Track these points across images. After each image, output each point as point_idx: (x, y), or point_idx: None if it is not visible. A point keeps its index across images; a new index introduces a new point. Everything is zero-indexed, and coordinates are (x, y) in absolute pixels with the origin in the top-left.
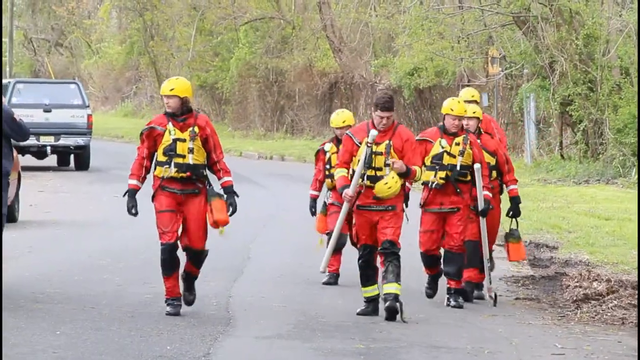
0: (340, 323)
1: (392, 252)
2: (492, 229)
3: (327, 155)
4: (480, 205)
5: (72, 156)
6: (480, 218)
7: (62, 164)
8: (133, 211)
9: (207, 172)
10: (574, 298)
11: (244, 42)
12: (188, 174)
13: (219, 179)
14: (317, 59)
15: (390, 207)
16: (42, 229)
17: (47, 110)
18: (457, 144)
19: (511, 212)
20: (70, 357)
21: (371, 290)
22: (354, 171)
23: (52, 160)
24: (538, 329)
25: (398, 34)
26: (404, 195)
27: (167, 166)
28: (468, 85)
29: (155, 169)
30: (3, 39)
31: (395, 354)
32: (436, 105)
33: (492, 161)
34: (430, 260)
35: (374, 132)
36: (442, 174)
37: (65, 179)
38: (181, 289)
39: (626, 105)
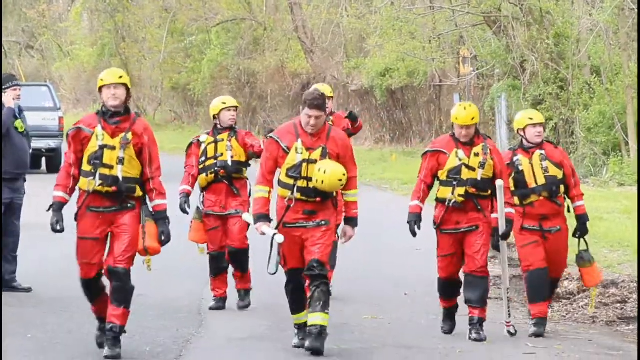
0: None
1: (319, 274)
2: (560, 253)
3: (203, 146)
4: (502, 227)
5: (43, 159)
6: (501, 241)
7: (34, 166)
8: (58, 227)
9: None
10: None
11: (215, 44)
12: (114, 188)
13: (151, 200)
14: (289, 60)
15: (322, 222)
16: None
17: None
18: (477, 155)
19: (578, 232)
20: None
21: (302, 317)
22: (280, 182)
23: None
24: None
25: (370, 35)
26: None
27: (92, 178)
28: (440, 86)
29: (79, 179)
30: None
31: (368, 354)
32: (408, 106)
33: (560, 174)
34: (450, 287)
35: (279, 239)
36: (461, 190)
37: (36, 182)
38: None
39: (596, 104)
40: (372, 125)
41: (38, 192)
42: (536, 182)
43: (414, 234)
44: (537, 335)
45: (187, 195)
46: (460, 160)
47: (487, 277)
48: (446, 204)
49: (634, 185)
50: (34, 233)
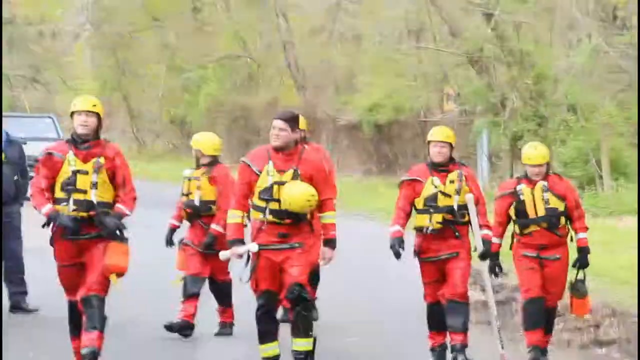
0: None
1: (299, 296)
2: (557, 281)
3: (183, 181)
4: (479, 246)
5: None
6: (482, 262)
7: None
8: (72, 222)
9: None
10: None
11: (212, 79)
12: (91, 213)
13: (117, 203)
14: (282, 95)
15: (296, 244)
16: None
17: (23, 143)
18: (452, 182)
19: (578, 263)
20: None
21: (271, 349)
22: (253, 205)
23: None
24: (492, 352)
25: (359, 72)
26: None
27: (65, 203)
28: (425, 121)
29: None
30: None
31: None
32: (394, 140)
33: (561, 207)
34: (438, 312)
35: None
36: (438, 217)
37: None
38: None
39: (573, 139)
40: (360, 158)
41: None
42: (536, 213)
43: (398, 256)
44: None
45: (171, 229)
46: (436, 187)
47: (467, 303)
48: (424, 231)
49: (607, 217)
50: (41, 256)
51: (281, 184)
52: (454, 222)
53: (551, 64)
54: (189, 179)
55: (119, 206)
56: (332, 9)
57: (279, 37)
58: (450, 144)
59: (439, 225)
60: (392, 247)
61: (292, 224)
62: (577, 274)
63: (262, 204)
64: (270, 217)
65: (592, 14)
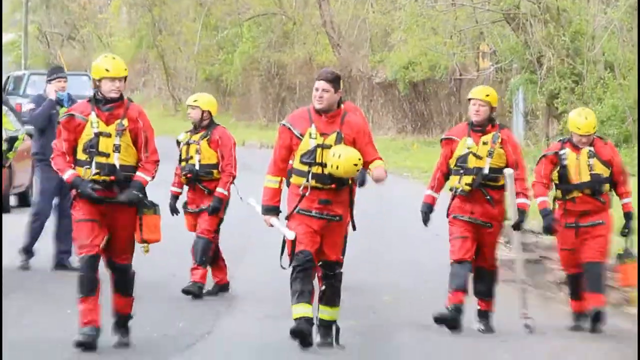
0: None
1: (333, 269)
2: (602, 247)
3: (180, 146)
4: (514, 216)
5: None
6: (514, 232)
7: None
8: (93, 188)
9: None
10: (557, 280)
11: (247, 37)
12: (112, 178)
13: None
14: (317, 53)
15: (337, 218)
16: None
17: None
18: (485, 143)
19: (626, 230)
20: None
21: (304, 310)
22: (294, 170)
23: None
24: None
25: (394, 30)
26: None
27: (88, 167)
28: (460, 79)
29: (74, 168)
30: (19, 35)
31: (388, 332)
32: (429, 98)
33: (606, 173)
34: (461, 271)
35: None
36: (467, 179)
37: None
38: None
39: (610, 98)
40: (394, 116)
41: None
42: (580, 179)
43: (425, 222)
44: (595, 319)
45: (174, 196)
46: (468, 148)
47: (496, 271)
48: (454, 192)
49: None
50: None
51: (325, 147)
52: (485, 185)
53: (588, 21)
54: (188, 144)
55: (139, 174)
56: None
57: None
58: (490, 104)
59: (467, 187)
60: (421, 212)
61: (335, 189)
62: (626, 241)
63: (305, 168)
64: (313, 182)
65: None
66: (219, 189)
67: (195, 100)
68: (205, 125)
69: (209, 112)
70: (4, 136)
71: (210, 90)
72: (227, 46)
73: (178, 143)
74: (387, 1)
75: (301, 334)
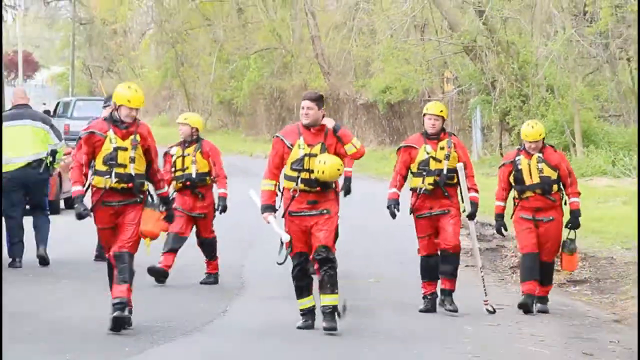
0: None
1: (326, 257)
2: (554, 239)
3: (173, 158)
4: (468, 208)
5: None
6: (469, 222)
7: None
8: (85, 212)
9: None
10: (511, 265)
11: (253, 67)
12: (130, 185)
13: (159, 189)
14: (310, 80)
15: (324, 211)
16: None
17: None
18: (442, 148)
19: (570, 224)
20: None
21: (308, 302)
22: (285, 176)
23: None
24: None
25: (374, 60)
26: (347, 179)
27: (108, 177)
28: (428, 100)
29: (93, 178)
30: (67, 68)
31: (372, 309)
32: (404, 116)
33: (554, 175)
34: (431, 264)
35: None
36: (430, 179)
37: None
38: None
39: (551, 114)
40: (375, 131)
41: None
42: (532, 181)
43: (394, 216)
44: (523, 303)
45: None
46: (428, 153)
47: (458, 253)
48: (418, 191)
49: (580, 178)
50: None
51: (311, 156)
52: (444, 184)
53: (532, 52)
54: (183, 156)
55: (166, 190)
56: (351, 8)
57: (308, 32)
58: (443, 117)
59: (430, 187)
60: (388, 207)
61: (321, 191)
62: (569, 233)
63: (294, 174)
64: (301, 186)
65: (566, 9)
66: (221, 190)
67: (186, 119)
68: (194, 139)
69: (197, 129)
70: (48, 150)
71: (224, 111)
72: (237, 75)
73: (165, 154)
74: (367, 37)
75: (307, 328)
